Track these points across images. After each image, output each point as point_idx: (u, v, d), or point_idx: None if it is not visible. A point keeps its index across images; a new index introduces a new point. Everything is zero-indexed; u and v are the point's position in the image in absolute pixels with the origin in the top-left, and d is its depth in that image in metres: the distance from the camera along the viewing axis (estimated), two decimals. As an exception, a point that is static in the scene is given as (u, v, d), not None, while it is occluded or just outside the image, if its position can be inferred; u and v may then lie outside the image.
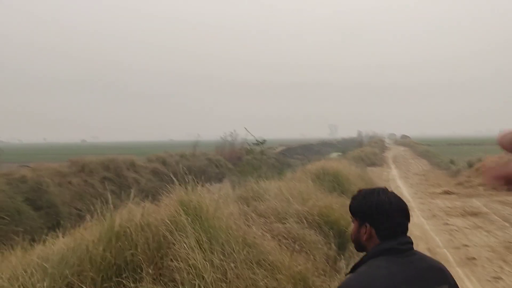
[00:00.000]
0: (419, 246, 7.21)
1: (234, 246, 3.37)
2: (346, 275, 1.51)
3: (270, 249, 3.64)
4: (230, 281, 3.07)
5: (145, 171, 19.60)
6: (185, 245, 3.08)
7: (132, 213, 3.65)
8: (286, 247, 3.98)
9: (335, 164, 10.30)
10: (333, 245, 4.72)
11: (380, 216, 1.51)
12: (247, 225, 4.21)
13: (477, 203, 10.85)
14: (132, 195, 4.06)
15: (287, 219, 4.77)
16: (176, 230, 3.20)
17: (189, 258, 3.01)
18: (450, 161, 20.45)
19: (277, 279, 3.31)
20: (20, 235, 4.08)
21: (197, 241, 3.19)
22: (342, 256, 4.73)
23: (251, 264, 3.31)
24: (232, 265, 3.18)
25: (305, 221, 4.90)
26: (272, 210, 4.98)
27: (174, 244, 3.11)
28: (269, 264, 3.40)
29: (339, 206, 6.59)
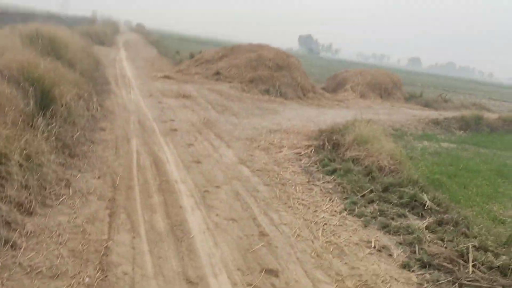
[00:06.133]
0: (131, 118, 7.56)
1: None
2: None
3: None
4: None
5: None
6: None
7: None
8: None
9: (53, 29, 9.26)
10: (32, 102, 4.35)
11: None
12: None
13: (190, 88, 12.03)
14: None
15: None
16: None
17: None
18: (176, 51, 21.67)
19: None
20: None
21: None
22: (42, 115, 4.44)
23: None
24: None
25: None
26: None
27: None
28: None
29: (51, 69, 6.06)
